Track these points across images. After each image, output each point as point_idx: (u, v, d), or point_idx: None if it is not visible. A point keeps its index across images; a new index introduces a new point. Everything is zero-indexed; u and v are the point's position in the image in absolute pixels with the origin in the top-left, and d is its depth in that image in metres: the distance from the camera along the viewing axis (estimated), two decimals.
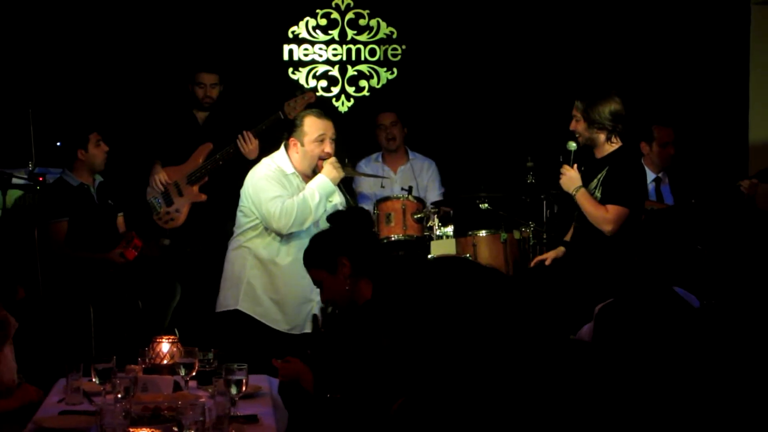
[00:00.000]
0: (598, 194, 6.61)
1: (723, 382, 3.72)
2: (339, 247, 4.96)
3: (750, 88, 9.32)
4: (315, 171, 6.84)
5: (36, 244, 7.51)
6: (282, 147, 6.89)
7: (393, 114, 8.90)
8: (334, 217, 5.26)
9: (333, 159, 6.73)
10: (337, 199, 6.90)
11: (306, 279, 6.43)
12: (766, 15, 9.28)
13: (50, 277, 7.50)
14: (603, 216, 6.51)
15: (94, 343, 7.38)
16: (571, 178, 6.70)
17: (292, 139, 6.78)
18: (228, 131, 7.90)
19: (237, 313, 6.80)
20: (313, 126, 6.77)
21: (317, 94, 8.76)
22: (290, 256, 6.74)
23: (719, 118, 9.44)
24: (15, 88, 8.86)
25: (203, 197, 7.94)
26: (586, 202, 6.60)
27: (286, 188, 6.69)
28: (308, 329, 6.73)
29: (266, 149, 7.37)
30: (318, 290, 6.62)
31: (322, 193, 6.65)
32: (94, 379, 4.60)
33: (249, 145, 7.69)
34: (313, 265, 5.05)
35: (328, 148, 6.80)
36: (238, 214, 6.90)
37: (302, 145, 6.74)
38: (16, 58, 8.97)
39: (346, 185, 8.47)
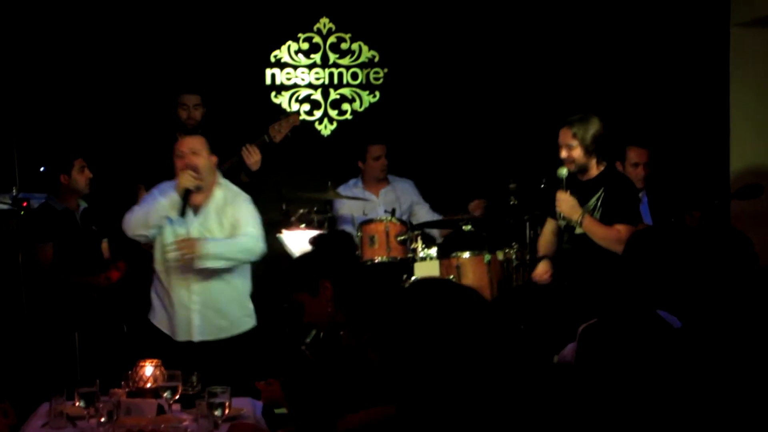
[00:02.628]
0: (597, 215, 6.65)
1: (705, 402, 3.74)
2: (321, 269, 4.96)
3: (731, 108, 9.36)
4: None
5: (20, 268, 7.50)
6: None
7: (384, 145, 8.91)
8: (316, 240, 5.25)
9: (184, 171, 6.74)
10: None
11: (177, 286, 6.75)
12: (745, 37, 9.33)
13: (35, 301, 7.49)
14: (617, 237, 6.52)
15: (79, 368, 7.37)
16: (572, 205, 6.74)
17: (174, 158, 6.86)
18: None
19: (148, 323, 6.99)
20: (178, 144, 6.90)
21: (300, 117, 8.77)
22: (160, 263, 6.86)
23: (700, 137, 9.48)
24: None
25: None
26: (595, 227, 6.64)
27: (156, 201, 6.79)
28: (189, 337, 6.80)
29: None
30: (197, 298, 6.73)
31: (160, 201, 6.72)
32: (77, 403, 4.60)
33: (253, 156, 7.74)
34: (294, 288, 5.03)
35: (192, 160, 6.76)
36: None
37: (175, 162, 6.82)
38: (0, 84, 8.97)
39: (329, 209, 8.52)
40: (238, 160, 7.76)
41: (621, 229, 6.55)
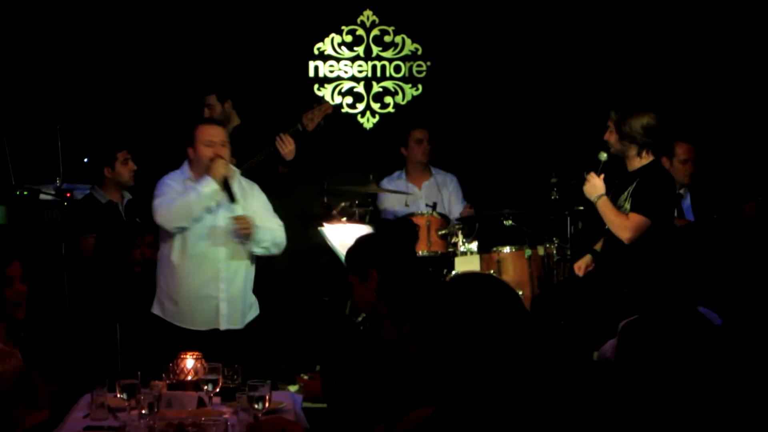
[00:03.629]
0: (627, 206, 6.62)
1: (744, 399, 3.72)
2: (372, 258, 4.97)
3: None
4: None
5: (63, 259, 7.56)
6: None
7: (426, 130, 8.93)
8: (380, 225, 5.24)
9: (219, 159, 6.75)
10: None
11: (204, 276, 6.71)
12: None
13: (77, 292, 7.54)
14: (622, 223, 6.54)
15: (120, 359, 7.42)
16: (594, 185, 6.73)
17: (189, 148, 6.82)
18: (251, 146, 7.92)
19: (153, 317, 6.91)
20: (203, 132, 6.84)
21: (342, 110, 8.78)
22: (185, 255, 6.81)
23: (744, 134, 9.41)
24: (43, 104, 8.93)
25: None
26: (606, 210, 6.64)
27: (176, 191, 6.76)
28: (216, 326, 6.80)
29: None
30: (222, 287, 6.76)
31: (203, 191, 6.68)
32: (119, 395, 4.62)
33: (288, 146, 7.75)
34: (349, 268, 5.06)
35: (221, 151, 6.79)
36: None
37: (196, 150, 6.79)
38: (44, 75, 9.04)
39: (371, 202, 8.53)
40: (273, 149, 7.77)
41: (631, 217, 6.54)
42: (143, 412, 4.38)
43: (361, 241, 5.24)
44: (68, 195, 7.82)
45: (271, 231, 6.86)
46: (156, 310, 6.90)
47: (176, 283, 6.84)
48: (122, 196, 7.82)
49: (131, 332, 7.53)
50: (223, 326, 6.82)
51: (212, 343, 6.54)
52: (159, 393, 4.62)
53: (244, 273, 6.89)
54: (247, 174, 7.71)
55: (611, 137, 6.74)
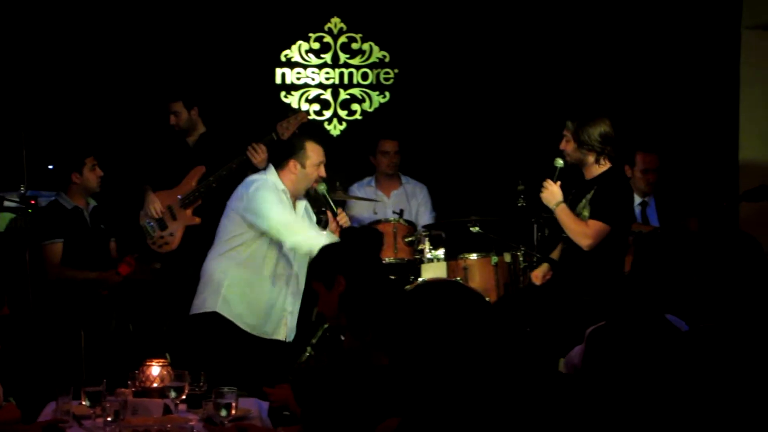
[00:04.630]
0: (585, 214, 6.60)
1: (711, 406, 3.73)
2: (339, 264, 4.97)
3: (740, 111, 9.33)
4: (308, 193, 7.09)
5: (27, 266, 7.51)
6: (270, 167, 7.08)
7: (396, 142, 8.98)
8: (345, 232, 5.26)
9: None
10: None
11: (283, 290, 6.91)
12: (757, 39, 9.30)
13: (42, 299, 7.50)
14: (582, 230, 6.53)
15: (84, 367, 7.38)
16: (552, 192, 6.70)
17: (292, 161, 6.90)
18: (219, 154, 7.91)
19: (214, 316, 6.93)
20: (315, 151, 6.98)
21: (309, 117, 8.76)
22: (270, 268, 6.97)
23: (709, 140, 9.45)
24: (7, 111, 8.86)
25: (197, 220, 7.93)
26: (565, 217, 6.61)
27: (284, 203, 6.88)
28: (280, 336, 7.04)
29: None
30: (293, 301, 6.98)
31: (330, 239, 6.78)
32: (84, 402, 4.60)
33: (260, 155, 7.74)
34: (314, 276, 5.07)
35: (323, 172, 7.00)
36: (225, 222, 7.07)
37: (303, 167, 6.91)
38: (8, 81, 8.98)
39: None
40: (245, 158, 7.76)
41: (590, 224, 6.52)
42: (108, 419, 4.36)
43: (327, 249, 5.24)
44: (33, 202, 7.77)
45: None
46: (223, 310, 6.94)
47: (253, 289, 6.97)
48: (87, 203, 7.79)
49: (96, 340, 7.51)
50: (284, 338, 7.08)
51: (272, 352, 6.98)
52: (125, 400, 4.60)
53: (301, 290, 7.14)
54: (219, 183, 7.71)
55: (568, 146, 6.71)
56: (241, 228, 6.93)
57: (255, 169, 7.80)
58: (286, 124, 7.81)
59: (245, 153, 7.73)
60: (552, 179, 6.75)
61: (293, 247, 6.88)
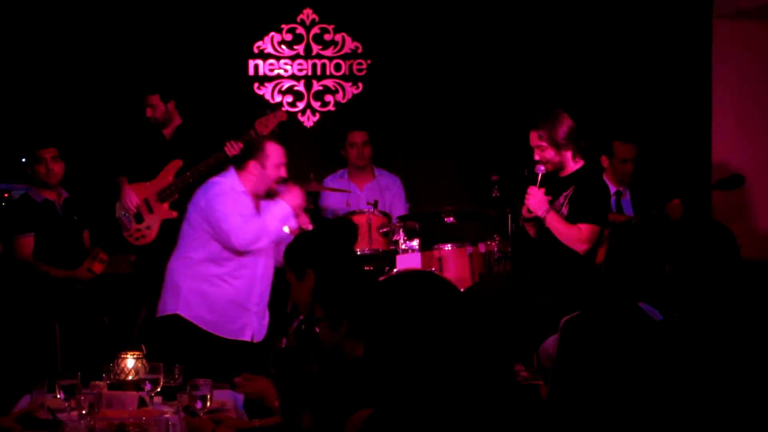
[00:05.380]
0: (563, 211, 6.60)
1: (685, 394, 3.75)
2: (309, 257, 4.98)
3: (713, 101, 9.37)
4: (269, 193, 6.93)
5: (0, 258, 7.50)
6: (231, 169, 6.96)
7: (365, 133, 8.98)
8: (320, 223, 5.25)
9: (298, 189, 6.84)
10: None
11: (244, 290, 6.83)
12: (728, 28, 9.34)
13: (15, 292, 7.48)
14: (577, 236, 6.47)
15: (60, 359, 7.36)
16: (540, 200, 6.60)
17: (252, 162, 6.82)
18: (196, 146, 7.90)
19: (176, 318, 6.86)
20: (275, 151, 6.86)
21: (283, 109, 8.76)
22: (229, 269, 6.89)
23: (682, 130, 9.48)
24: None
25: (174, 214, 7.91)
26: (557, 224, 6.54)
27: (242, 206, 6.79)
28: (245, 336, 6.93)
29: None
30: (258, 301, 6.92)
31: (281, 218, 6.73)
32: (58, 395, 4.59)
33: (237, 151, 7.75)
34: (287, 265, 5.07)
35: (284, 173, 6.89)
36: (185, 224, 7.00)
37: (263, 168, 6.81)
38: None
39: (311, 201, 8.52)
40: (223, 156, 7.76)
41: (583, 228, 6.47)
42: (83, 412, 4.35)
43: (299, 239, 5.24)
44: (5, 195, 7.76)
45: None
46: (183, 311, 6.86)
47: (214, 290, 6.88)
48: (59, 195, 7.74)
49: (71, 333, 7.49)
50: (249, 338, 6.96)
51: (238, 354, 6.80)
52: (99, 393, 4.59)
53: (270, 286, 7.05)
54: (196, 178, 7.68)
55: (546, 154, 6.64)
56: (200, 230, 6.86)
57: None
58: (265, 122, 7.81)
59: (222, 148, 7.73)
60: (534, 185, 6.68)
61: (245, 251, 6.82)
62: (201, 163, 7.78)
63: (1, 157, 8.04)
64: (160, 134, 8.22)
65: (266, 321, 7.08)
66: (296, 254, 5.07)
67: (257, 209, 6.87)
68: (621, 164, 8.27)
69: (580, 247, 6.48)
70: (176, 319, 6.83)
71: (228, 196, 6.79)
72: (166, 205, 7.98)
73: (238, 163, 6.94)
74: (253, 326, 6.94)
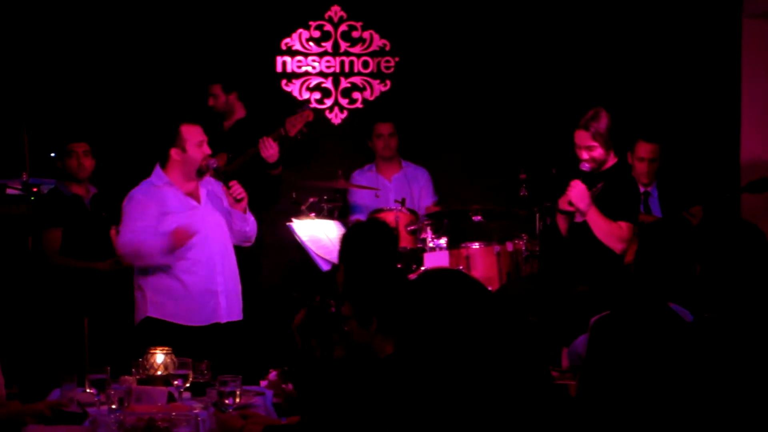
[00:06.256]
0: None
1: (714, 396, 3.74)
2: (342, 255, 5.02)
3: (742, 101, 9.33)
4: (200, 172, 6.78)
5: (29, 253, 7.53)
6: (156, 167, 6.78)
7: (391, 124, 8.99)
8: (352, 226, 5.29)
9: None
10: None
11: (205, 271, 6.70)
12: (758, 28, 9.30)
13: (45, 286, 7.51)
14: (617, 233, 6.42)
15: (87, 355, 7.39)
16: (583, 193, 6.51)
17: (172, 150, 6.67)
18: (245, 142, 7.99)
19: (150, 321, 6.74)
20: (191, 132, 6.72)
21: (310, 106, 8.78)
22: (189, 260, 6.73)
23: (711, 130, 9.44)
24: (9, 98, 8.85)
25: None
26: (599, 219, 6.46)
27: (144, 214, 6.67)
28: (219, 318, 6.76)
29: None
30: (220, 280, 6.77)
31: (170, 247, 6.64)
32: (88, 390, 4.61)
33: (269, 149, 7.77)
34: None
35: (208, 149, 6.74)
36: None
37: (184, 151, 6.67)
38: (11, 69, 8.97)
39: (340, 197, 8.55)
40: (256, 152, 7.80)
41: (623, 227, 6.42)
42: (113, 407, 4.37)
43: (343, 236, 5.34)
44: (35, 190, 7.79)
45: (252, 221, 6.90)
46: (153, 312, 6.74)
47: (174, 283, 6.75)
48: (87, 190, 7.77)
49: (99, 327, 7.51)
50: (224, 319, 6.79)
51: (213, 337, 6.65)
52: (129, 388, 4.62)
53: (235, 268, 6.93)
54: (232, 173, 7.66)
55: (596, 153, 6.57)
56: None
57: (266, 163, 7.85)
58: (293, 121, 7.85)
59: (255, 146, 7.77)
60: (577, 178, 6.59)
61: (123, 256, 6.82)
62: (237, 159, 7.82)
63: (31, 152, 8.06)
64: (219, 126, 8.28)
65: (238, 300, 6.91)
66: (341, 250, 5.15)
67: (196, 195, 6.76)
68: (638, 162, 8.21)
69: (619, 246, 6.40)
70: (150, 321, 6.71)
71: (133, 201, 6.70)
72: None
73: (160, 155, 6.78)
74: (222, 306, 6.78)
